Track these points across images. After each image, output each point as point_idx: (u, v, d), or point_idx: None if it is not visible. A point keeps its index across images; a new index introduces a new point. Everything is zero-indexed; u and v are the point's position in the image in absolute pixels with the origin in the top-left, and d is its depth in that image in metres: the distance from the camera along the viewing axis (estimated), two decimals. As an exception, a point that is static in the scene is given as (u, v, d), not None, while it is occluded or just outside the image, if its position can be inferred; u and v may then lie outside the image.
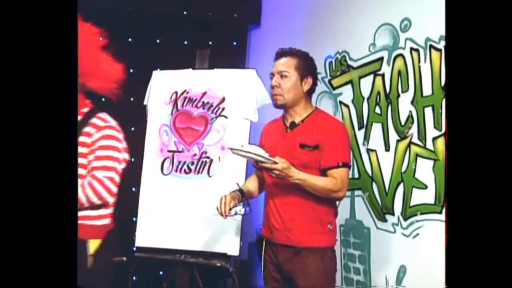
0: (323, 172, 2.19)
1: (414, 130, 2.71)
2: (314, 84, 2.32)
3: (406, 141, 2.75)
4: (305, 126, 2.26)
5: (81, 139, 2.10)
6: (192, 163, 3.10)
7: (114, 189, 2.13)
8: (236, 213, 2.25)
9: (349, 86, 3.18)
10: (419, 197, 2.66)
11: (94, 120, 2.16)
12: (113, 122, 2.21)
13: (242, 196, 2.31)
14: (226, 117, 3.05)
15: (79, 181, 2.06)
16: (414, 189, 2.69)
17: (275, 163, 2.02)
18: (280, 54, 2.30)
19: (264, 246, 2.32)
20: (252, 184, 2.46)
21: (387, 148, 2.86)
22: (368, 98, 3.03)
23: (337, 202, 2.36)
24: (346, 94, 3.20)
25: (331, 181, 2.16)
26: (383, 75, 2.92)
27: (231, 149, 2.08)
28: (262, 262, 2.33)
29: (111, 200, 2.13)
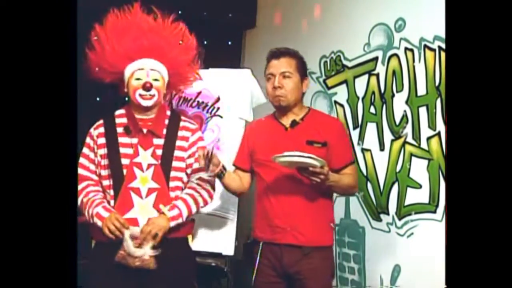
0: (338, 171, 2.18)
1: (408, 129, 2.72)
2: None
3: (400, 141, 2.76)
4: (306, 124, 2.24)
5: (178, 143, 2.19)
6: (187, 163, 3.09)
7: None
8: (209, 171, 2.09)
9: (344, 85, 3.18)
10: (413, 196, 2.67)
11: (185, 124, 2.26)
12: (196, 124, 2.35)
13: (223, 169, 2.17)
14: (221, 117, 3.04)
15: (192, 189, 2.20)
16: (408, 188, 2.70)
17: (323, 166, 1.99)
18: (278, 54, 2.24)
19: (260, 249, 2.21)
20: (233, 178, 2.29)
21: (381, 148, 2.87)
22: (363, 98, 3.04)
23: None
24: (341, 94, 3.20)
25: (350, 178, 2.21)
26: (377, 75, 2.93)
27: (276, 157, 2.01)
28: (256, 266, 2.21)
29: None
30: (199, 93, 3.12)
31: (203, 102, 3.11)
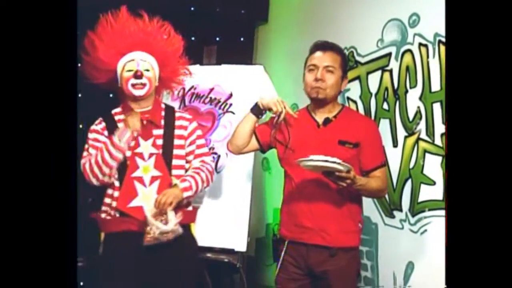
0: (367, 172, 2.14)
1: (422, 126, 2.70)
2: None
3: (414, 137, 2.74)
4: (339, 123, 2.17)
5: (177, 132, 2.28)
6: (200, 159, 3.10)
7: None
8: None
9: (357, 82, 3.17)
10: (427, 193, 2.65)
11: (181, 114, 2.35)
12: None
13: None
14: (234, 113, 3.04)
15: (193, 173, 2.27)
16: (422, 185, 2.68)
17: (349, 171, 1.94)
18: (325, 46, 2.19)
19: (285, 247, 2.19)
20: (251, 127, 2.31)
21: (395, 144, 2.86)
22: (376, 94, 3.02)
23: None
24: (354, 90, 3.19)
25: (379, 181, 2.14)
26: (391, 71, 2.91)
27: (301, 161, 1.96)
28: (280, 263, 2.19)
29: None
30: (211, 90, 3.12)
31: (215, 99, 3.11)
